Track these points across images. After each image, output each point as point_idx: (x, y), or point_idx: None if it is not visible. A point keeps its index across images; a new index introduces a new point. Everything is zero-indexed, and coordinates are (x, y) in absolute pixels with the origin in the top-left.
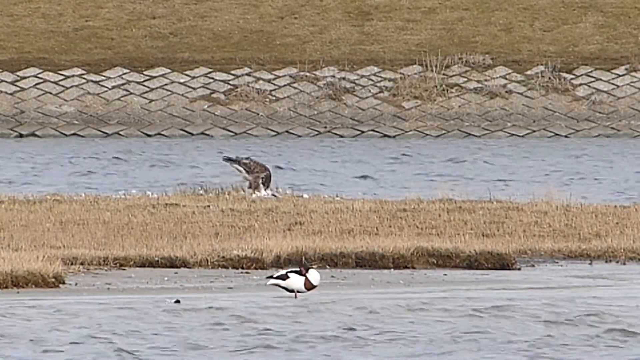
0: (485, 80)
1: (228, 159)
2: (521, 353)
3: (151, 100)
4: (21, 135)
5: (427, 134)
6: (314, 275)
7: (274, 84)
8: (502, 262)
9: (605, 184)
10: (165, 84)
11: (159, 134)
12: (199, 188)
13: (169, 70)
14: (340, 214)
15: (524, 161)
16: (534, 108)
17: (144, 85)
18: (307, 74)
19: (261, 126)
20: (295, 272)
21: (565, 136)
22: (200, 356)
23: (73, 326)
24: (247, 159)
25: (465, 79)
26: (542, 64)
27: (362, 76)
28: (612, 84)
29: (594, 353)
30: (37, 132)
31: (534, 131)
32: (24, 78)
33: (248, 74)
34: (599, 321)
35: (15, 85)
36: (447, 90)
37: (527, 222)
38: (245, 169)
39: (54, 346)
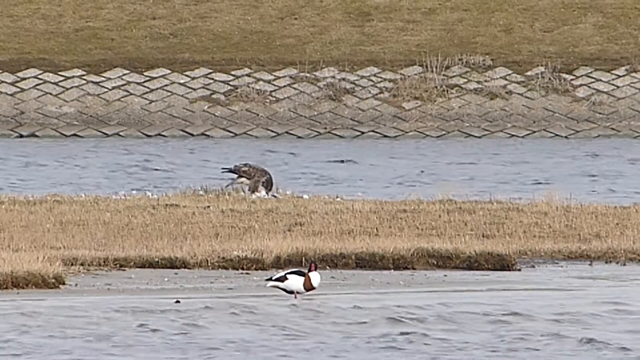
0: (486, 81)
1: (228, 171)
2: None
3: (151, 101)
4: (21, 136)
5: (427, 135)
6: (315, 276)
7: (274, 85)
8: (502, 263)
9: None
10: (166, 85)
11: (159, 134)
12: (199, 189)
13: (169, 71)
14: (340, 215)
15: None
16: (534, 109)
17: (144, 86)
18: (307, 74)
19: (261, 127)
20: (296, 272)
21: (566, 137)
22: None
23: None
24: (245, 165)
25: (466, 80)
26: (542, 65)
27: (362, 77)
28: (612, 84)
29: None
30: (37, 133)
31: (534, 132)
32: (24, 79)
33: (248, 75)
34: None
35: (16, 86)
36: (447, 91)
37: (527, 223)
38: (246, 177)
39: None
